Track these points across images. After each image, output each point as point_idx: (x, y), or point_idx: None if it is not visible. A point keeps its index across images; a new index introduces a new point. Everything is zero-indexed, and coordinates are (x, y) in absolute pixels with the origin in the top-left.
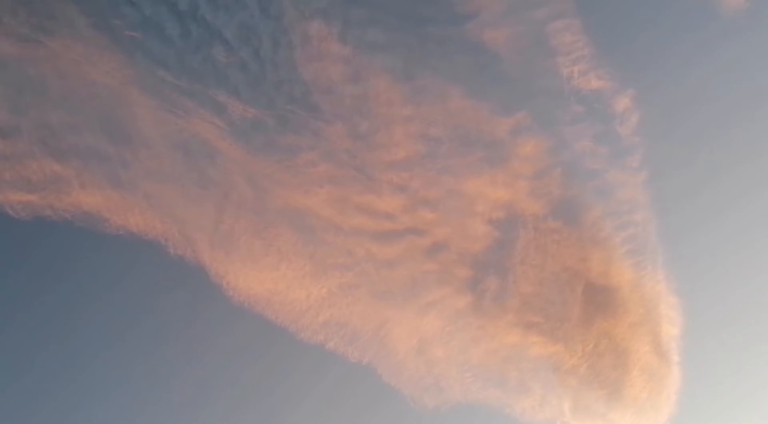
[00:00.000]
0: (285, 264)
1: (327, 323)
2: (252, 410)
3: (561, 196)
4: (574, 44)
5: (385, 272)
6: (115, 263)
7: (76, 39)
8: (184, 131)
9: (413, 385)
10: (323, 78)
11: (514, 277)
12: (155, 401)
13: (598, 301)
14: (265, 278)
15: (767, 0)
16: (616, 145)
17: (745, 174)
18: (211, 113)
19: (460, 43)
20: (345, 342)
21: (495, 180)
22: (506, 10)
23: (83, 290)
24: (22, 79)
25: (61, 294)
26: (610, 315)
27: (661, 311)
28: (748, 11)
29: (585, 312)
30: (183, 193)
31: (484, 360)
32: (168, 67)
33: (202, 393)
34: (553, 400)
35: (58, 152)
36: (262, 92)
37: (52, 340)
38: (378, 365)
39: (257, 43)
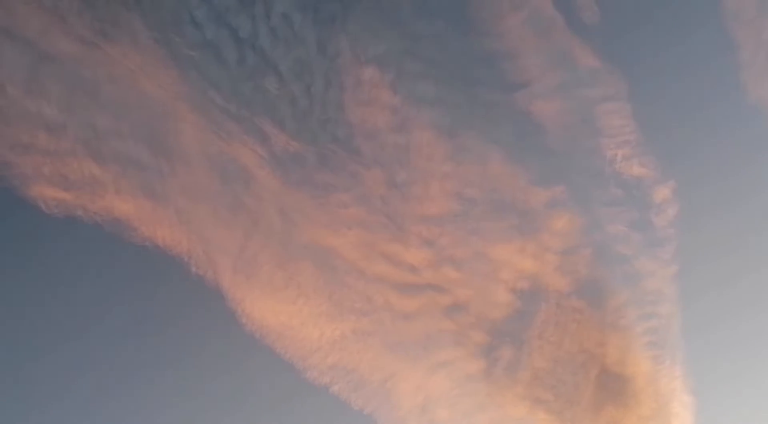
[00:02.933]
0: (303, 300)
1: (335, 366)
2: None
3: (588, 277)
4: (621, 128)
5: (401, 324)
6: (136, 273)
7: (135, 49)
8: (225, 154)
9: None
10: (368, 123)
11: (530, 350)
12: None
13: (611, 388)
14: (281, 310)
15: None
16: (650, 234)
17: None
18: (254, 141)
19: (507, 109)
20: (350, 388)
21: (524, 249)
22: (558, 85)
23: (100, 294)
24: (76, 79)
25: (78, 294)
26: (621, 404)
27: (673, 409)
28: None
29: (596, 397)
30: (213, 215)
31: None
32: (219, 90)
33: (195, 413)
34: None
35: (99, 155)
36: (306, 128)
37: (56, 337)
38: (380, 416)
39: (309, 80)
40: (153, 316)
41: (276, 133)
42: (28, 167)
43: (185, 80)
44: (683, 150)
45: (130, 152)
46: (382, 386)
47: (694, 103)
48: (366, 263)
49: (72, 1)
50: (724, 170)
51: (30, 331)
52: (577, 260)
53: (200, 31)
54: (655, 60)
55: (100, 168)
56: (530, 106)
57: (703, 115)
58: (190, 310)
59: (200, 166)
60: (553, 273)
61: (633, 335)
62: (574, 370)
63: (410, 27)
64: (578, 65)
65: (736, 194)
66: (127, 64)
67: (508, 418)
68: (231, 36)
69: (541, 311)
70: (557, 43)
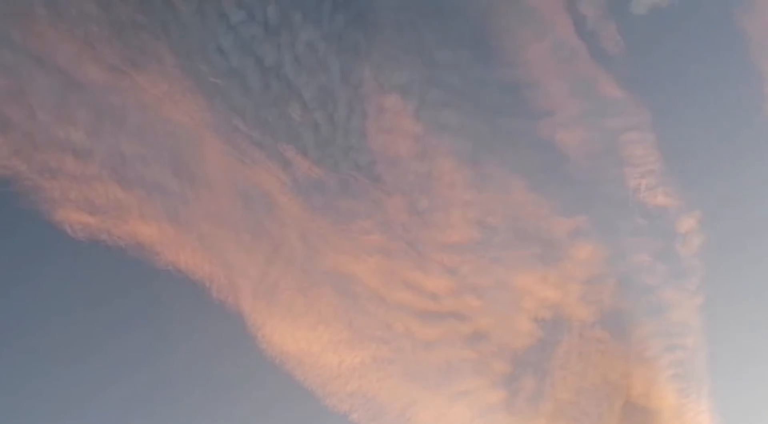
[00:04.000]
0: (323, 327)
1: (355, 393)
2: None
3: (612, 307)
4: (645, 158)
5: (422, 352)
6: (157, 297)
7: (162, 77)
8: (248, 180)
9: None
10: (390, 150)
11: (552, 381)
12: None
13: (636, 421)
14: (301, 336)
15: None
16: (675, 264)
17: None
18: (277, 167)
19: (530, 138)
20: (370, 416)
21: (546, 279)
22: (581, 114)
23: (122, 317)
24: (104, 105)
25: (99, 317)
26: None
27: None
28: None
29: None
30: (235, 240)
31: None
32: (244, 117)
33: None
34: None
35: (124, 180)
36: (329, 155)
37: (76, 359)
38: None
39: (333, 108)
40: (173, 339)
41: (299, 160)
42: (55, 191)
43: (210, 107)
44: (708, 180)
45: (155, 178)
46: (401, 414)
47: (719, 132)
48: (387, 290)
49: (102, 29)
50: (749, 200)
51: (51, 352)
52: (601, 289)
53: (226, 59)
54: (679, 90)
55: (125, 193)
56: (553, 135)
57: (728, 145)
58: (211, 334)
59: (223, 191)
60: (577, 303)
61: (658, 367)
62: (597, 402)
63: (433, 55)
64: (601, 94)
65: (763, 224)
66: (154, 92)
67: None
68: (256, 64)
69: (564, 342)
70: (580, 73)
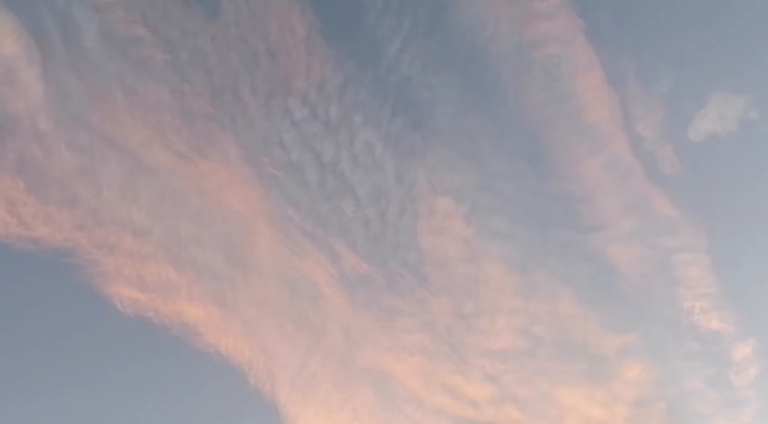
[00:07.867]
0: None
1: None
2: None
3: None
4: (699, 280)
5: None
6: (196, 378)
7: (224, 165)
8: (297, 270)
9: None
10: (439, 252)
11: None
12: None
13: None
14: None
15: None
16: (729, 393)
17: None
18: (326, 259)
19: (581, 250)
20: None
21: (592, 396)
22: (634, 230)
23: (159, 395)
24: (167, 189)
25: (138, 393)
26: None
27: None
28: None
29: None
30: (278, 328)
31: None
32: (298, 208)
33: None
34: None
35: (177, 260)
36: (378, 251)
37: None
38: None
39: (385, 206)
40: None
41: (348, 254)
42: (111, 267)
43: (267, 197)
44: (765, 307)
45: (207, 261)
46: None
47: None
48: (425, 393)
49: (174, 118)
50: None
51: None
52: (650, 413)
53: (287, 153)
54: (736, 214)
55: (177, 273)
56: (605, 249)
57: None
58: (245, 421)
59: (271, 279)
60: None
61: None
62: None
63: (488, 163)
64: (656, 213)
65: None
66: (215, 179)
67: None
68: (315, 159)
69: None
70: (634, 190)
